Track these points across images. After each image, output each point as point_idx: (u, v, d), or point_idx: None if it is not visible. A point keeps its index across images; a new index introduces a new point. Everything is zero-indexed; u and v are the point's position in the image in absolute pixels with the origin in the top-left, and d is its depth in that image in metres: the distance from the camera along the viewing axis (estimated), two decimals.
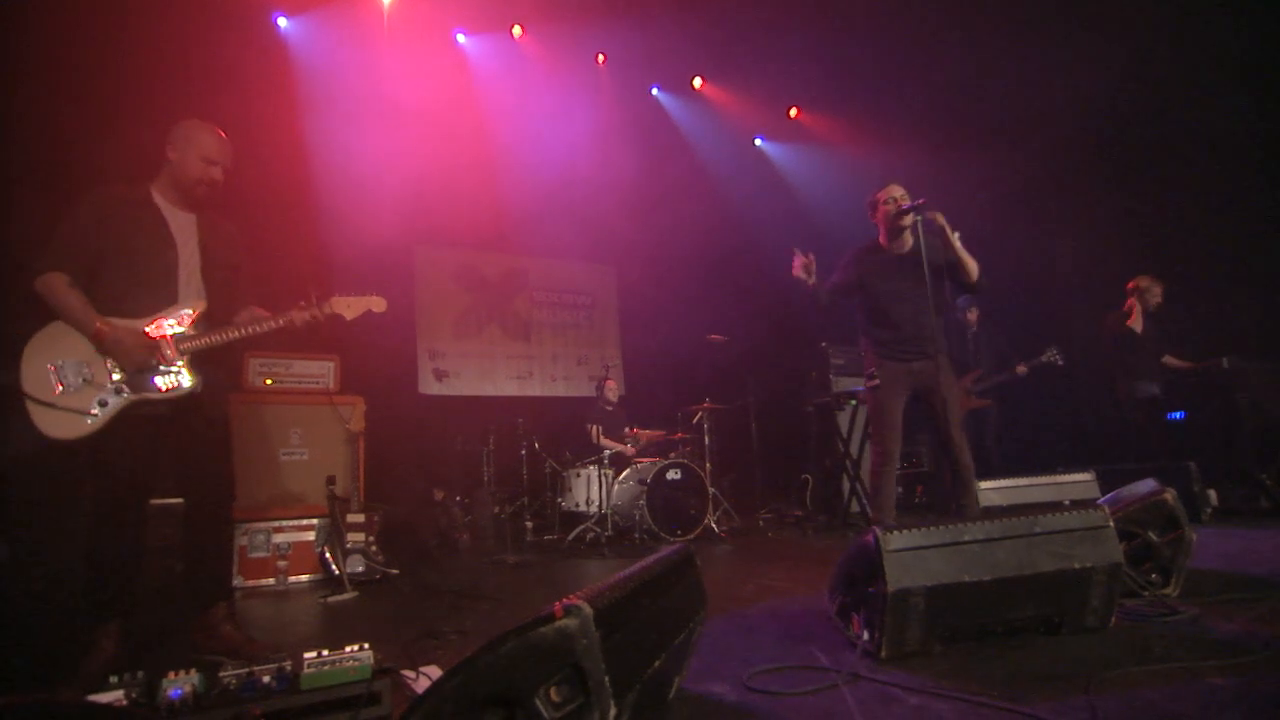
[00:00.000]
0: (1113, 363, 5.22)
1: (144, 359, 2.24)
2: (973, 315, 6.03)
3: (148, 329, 2.29)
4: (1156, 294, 5.19)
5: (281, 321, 2.49)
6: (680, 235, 7.26)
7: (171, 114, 2.48)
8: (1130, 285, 5.27)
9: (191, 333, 2.35)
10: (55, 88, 4.25)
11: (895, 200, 3.33)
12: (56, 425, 2.15)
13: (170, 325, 2.33)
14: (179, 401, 2.32)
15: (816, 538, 4.86)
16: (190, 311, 2.37)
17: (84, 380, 2.19)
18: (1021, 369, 5.63)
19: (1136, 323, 5.14)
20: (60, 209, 2.31)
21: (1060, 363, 5.53)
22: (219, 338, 2.38)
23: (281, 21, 5.62)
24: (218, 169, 2.44)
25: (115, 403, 2.22)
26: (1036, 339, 5.67)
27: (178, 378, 2.31)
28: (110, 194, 2.36)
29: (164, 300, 2.34)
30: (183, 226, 2.44)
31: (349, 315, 2.63)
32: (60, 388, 2.17)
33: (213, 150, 2.43)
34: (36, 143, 4.10)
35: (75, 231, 2.28)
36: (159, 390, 2.29)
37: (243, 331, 2.43)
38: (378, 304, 2.69)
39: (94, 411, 2.18)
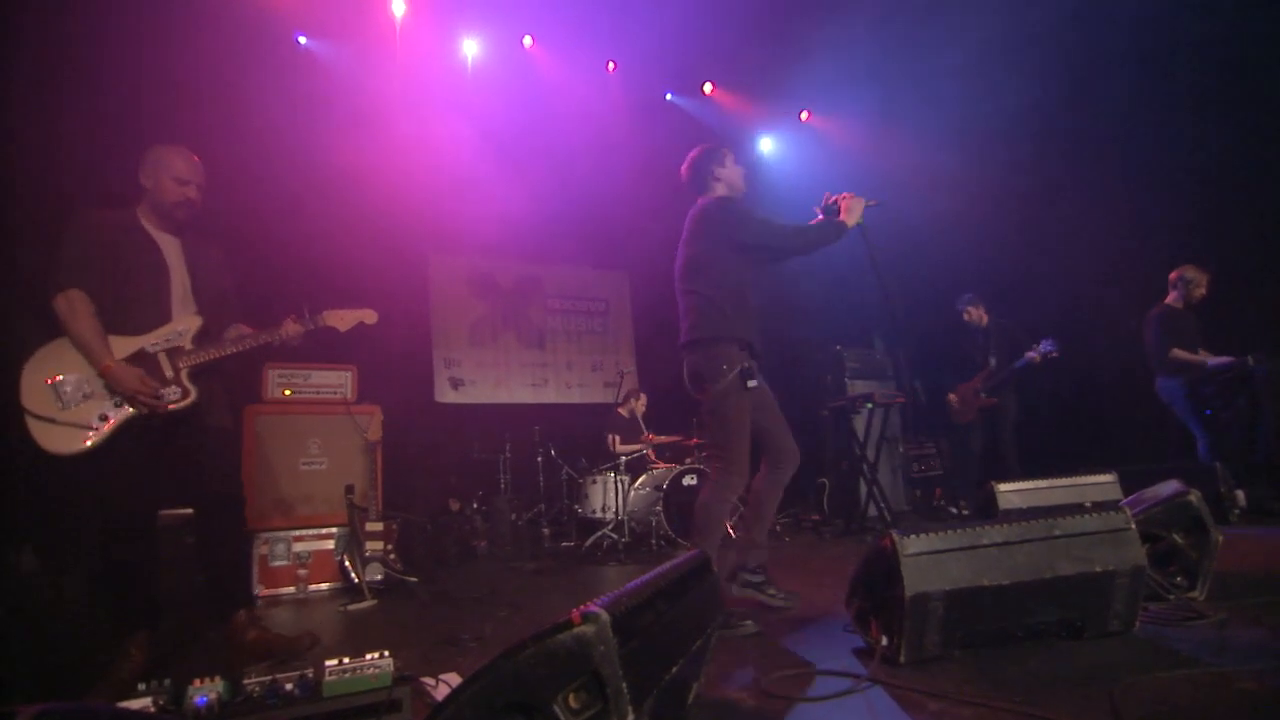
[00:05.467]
0: (1163, 357, 4.90)
1: (146, 397, 2.26)
2: (978, 311, 5.59)
3: (145, 346, 2.34)
4: (1201, 285, 4.88)
5: (265, 338, 2.54)
6: None
7: (185, 129, 2.53)
8: (1174, 275, 4.96)
9: (190, 348, 2.41)
10: (73, 104, 4.29)
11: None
12: (57, 440, 2.17)
13: (166, 342, 2.38)
14: (179, 414, 2.35)
15: (833, 542, 4.83)
16: (186, 329, 2.43)
17: (84, 395, 2.22)
18: (1034, 356, 5.16)
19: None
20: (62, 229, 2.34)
21: (1055, 354, 5.07)
22: (216, 353, 2.45)
23: (301, 39, 5.71)
24: (191, 188, 2.48)
25: (116, 417, 2.24)
26: (1062, 336, 5.42)
27: (176, 391, 2.35)
28: (100, 217, 2.40)
29: (158, 319, 2.40)
30: (170, 249, 2.50)
31: (342, 327, 2.71)
32: (60, 403, 2.19)
33: (183, 170, 2.46)
34: (52, 162, 4.13)
35: (83, 248, 2.32)
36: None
37: (234, 348, 2.49)
38: (369, 316, 2.77)
39: (94, 426, 2.21)
